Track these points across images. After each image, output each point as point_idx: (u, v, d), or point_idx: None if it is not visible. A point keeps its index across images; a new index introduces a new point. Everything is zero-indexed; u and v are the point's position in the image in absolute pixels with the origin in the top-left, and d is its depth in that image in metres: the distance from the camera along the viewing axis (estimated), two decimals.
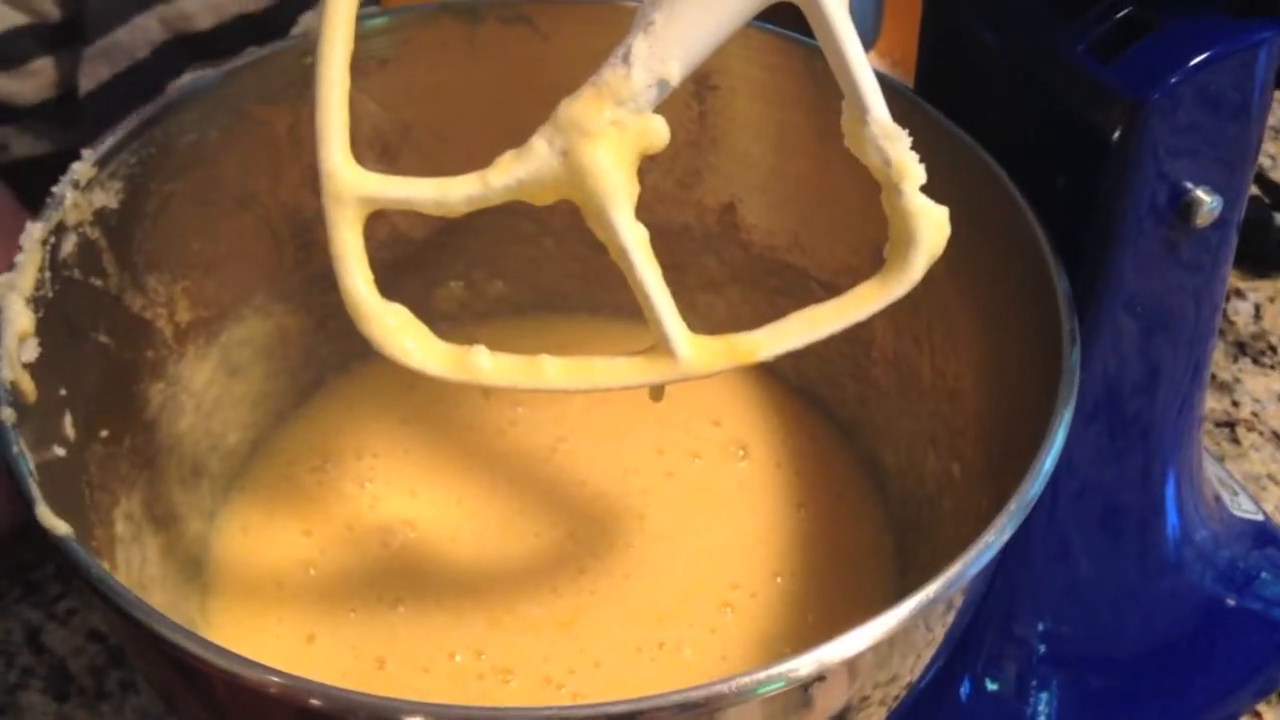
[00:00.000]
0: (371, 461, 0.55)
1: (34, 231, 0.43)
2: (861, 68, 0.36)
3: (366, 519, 0.53)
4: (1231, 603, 0.54)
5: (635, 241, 0.37)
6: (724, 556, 0.52)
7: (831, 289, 0.39)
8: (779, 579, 0.51)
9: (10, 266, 0.42)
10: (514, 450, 0.55)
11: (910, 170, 0.36)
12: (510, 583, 0.51)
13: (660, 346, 0.37)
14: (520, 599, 0.50)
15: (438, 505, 0.53)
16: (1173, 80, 0.40)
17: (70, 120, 0.58)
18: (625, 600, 0.50)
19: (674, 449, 0.55)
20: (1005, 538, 0.36)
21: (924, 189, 0.36)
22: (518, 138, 0.37)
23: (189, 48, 0.59)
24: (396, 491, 0.54)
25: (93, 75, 0.57)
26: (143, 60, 0.58)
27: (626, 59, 0.36)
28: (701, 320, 0.39)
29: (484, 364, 0.38)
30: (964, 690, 0.51)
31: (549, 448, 0.55)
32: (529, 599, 0.50)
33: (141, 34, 0.58)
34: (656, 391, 0.42)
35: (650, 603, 0.50)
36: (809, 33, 0.36)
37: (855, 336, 0.50)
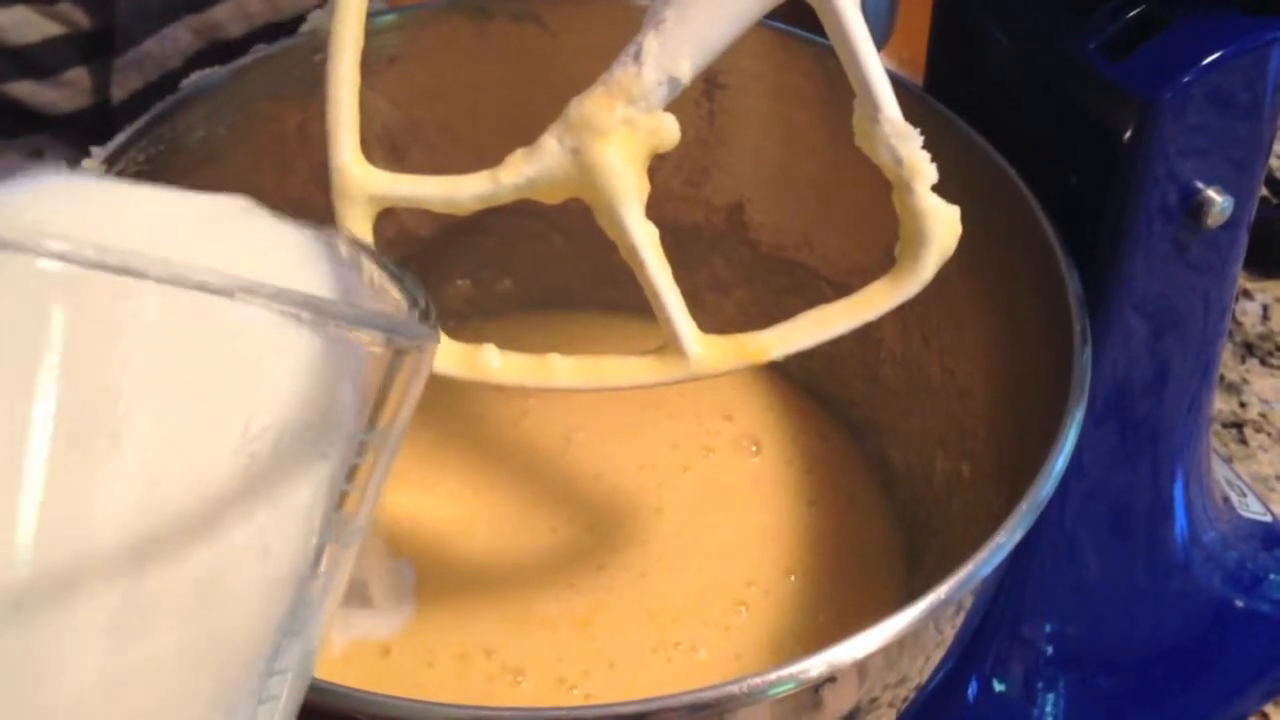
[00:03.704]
0: None
1: None
2: (873, 66, 0.36)
3: (377, 514, 0.52)
4: (1240, 604, 0.54)
5: (646, 240, 0.37)
6: (739, 553, 0.52)
7: (841, 289, 0.39)
8: (792, 577, 0.51)
9: None
10: (527, 443, 0.55)
11: (922, 169, 0.36)
12: (526, 579, 0.50)
13: (670, 345, 0.37)
14: (537, 596, 0.49)
15: (450, 499, 0.53)
16: (1184, 80, 0.40)
17: (105, 129, 0.58)
18: (642, 599, 0.50)
19: (687, 443, 0.55)
20: (1016, 539, 0.36)
21: (935, 188, 0.36)
22: (528, 136, 0.37)
23: (222, 56, 0.59)
24: (408, 486, 0.53)
25: (124, 85, 0.57)
26: (176, 70, 0.57)
27: (637, 57, 0.36)
28: (710, 319, 0.39)
29: (493, 362, 0.37)
30: (971, 691, 0.51)
31: (563, 439, 0.55)
32: (546, 595, 0.50)
33: (172, 44, 0.58)
34: None
35: (667, 601, 0.50)
36: (820, 31, 0.36)
37: (864, 336, 0.50)
